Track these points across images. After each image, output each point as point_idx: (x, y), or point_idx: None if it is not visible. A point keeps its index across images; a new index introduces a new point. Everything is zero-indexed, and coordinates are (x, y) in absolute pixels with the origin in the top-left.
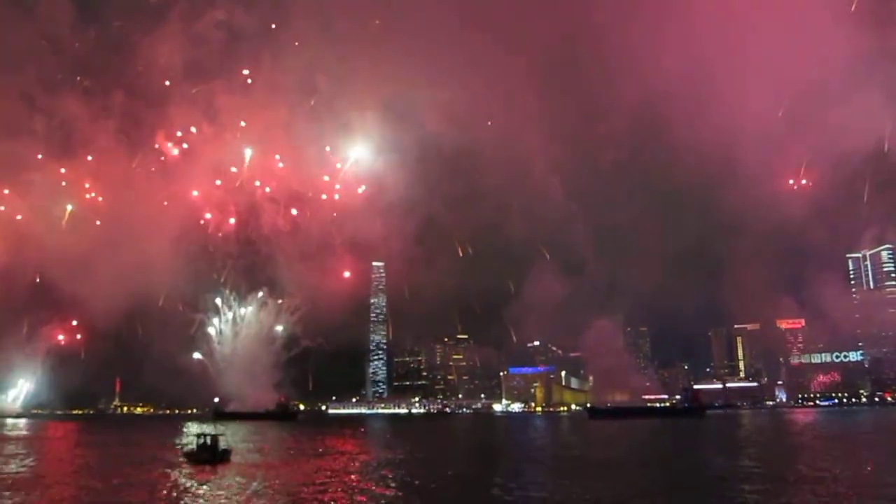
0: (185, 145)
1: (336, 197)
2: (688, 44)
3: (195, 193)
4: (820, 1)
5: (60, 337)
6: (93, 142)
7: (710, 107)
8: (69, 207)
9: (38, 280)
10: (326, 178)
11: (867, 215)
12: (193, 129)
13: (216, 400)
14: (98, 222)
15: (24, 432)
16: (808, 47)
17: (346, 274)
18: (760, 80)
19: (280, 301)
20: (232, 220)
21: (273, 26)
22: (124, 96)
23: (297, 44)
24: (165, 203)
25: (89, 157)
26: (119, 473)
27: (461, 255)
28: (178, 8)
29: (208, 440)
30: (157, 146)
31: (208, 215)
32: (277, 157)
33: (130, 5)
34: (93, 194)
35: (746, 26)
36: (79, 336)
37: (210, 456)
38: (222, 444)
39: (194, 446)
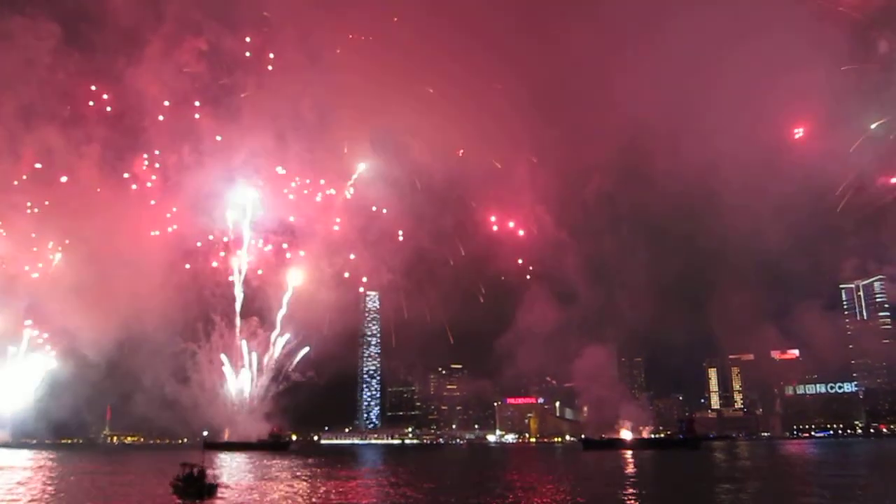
0: (168, 173)
1: (333, 227)
2: (668, 77)
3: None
4: (800, 38)
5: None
6: (75, 170)
7: (690, 138)
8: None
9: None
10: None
11: (850, 247)
12: (177, 157)
13: (205, 433)
14: (85, 251)
15: (13, 463)
16: (785, 84)
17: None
18: (739, 114)
19: (271, 332)
20: (221, 253)
21: (261, 54)
22: (106, 124)
23: (283, 72)
24: (152, 232)
25: (72, 185)
26: None
27: (454, 284)
28: (159, 37)
29: (195, 472)
30: (140, 175)
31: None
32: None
33: (112, 34)
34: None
35: (727, 62)
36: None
37: (196, 490)
38: (210, 478)
39: (180, 479)
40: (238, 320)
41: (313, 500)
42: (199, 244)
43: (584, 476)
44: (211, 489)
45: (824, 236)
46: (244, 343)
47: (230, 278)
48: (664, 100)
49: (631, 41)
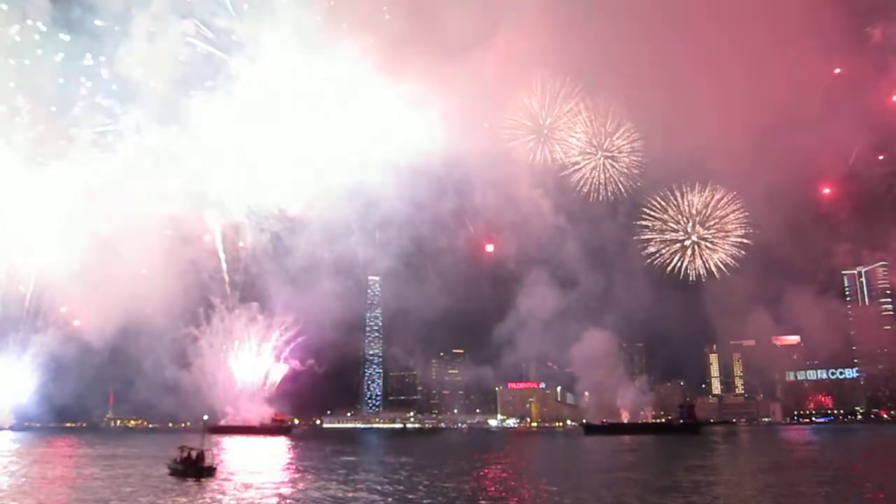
0: (161, 158)
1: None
2: (664, 65)
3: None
4: (792, 30)
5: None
6: (70, 152)
7: (683, 124)
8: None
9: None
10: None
11: (849, 234)
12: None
13: (205, 417)
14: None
15: (15, 446)
16: (780, 73)
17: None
18: (734, 101)
19: (270, 318)
20: (213, 237)
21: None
22: (97, 107)
23: (276, 55)
24: (150, 215)
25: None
26: (97, 488)
27: (456, 269)
28: (146, 20)
29: (193, 454)
30: (134, 158)
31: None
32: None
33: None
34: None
35: (720, 51)
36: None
37: (195, 471)
38: (208, 460)
39: (179, 461)
40: (237, 304)
41: (309, 480)
42: (196, 229)
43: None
44: (210, 470)
45: (823, 222)
46: (243, 327)
47: (227, 263)
48: (657, 87)
49: (623, 25)
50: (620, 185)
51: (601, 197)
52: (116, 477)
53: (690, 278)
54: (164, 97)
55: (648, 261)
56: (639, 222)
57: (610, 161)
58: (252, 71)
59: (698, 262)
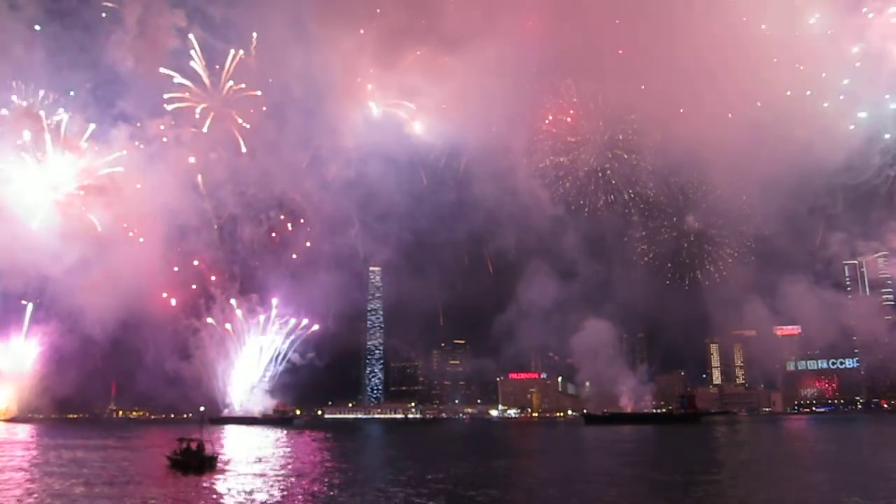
0: (153, 149)
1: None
2: (662, 58)
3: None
4: (789, 24)
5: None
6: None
7: (680, 117)
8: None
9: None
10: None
11: (847, 224)
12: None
13: (202, 408)
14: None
15: (17, 437)
16: (775, 68)
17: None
18: (729, 95)
19: (270, 310)
20: (211, 228)
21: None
22: (91, 101)
23: (273, 48)
24: (148, 207)
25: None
26: (98, 480)
27: (457, 261)
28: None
29: (193, 446)
30: (129, 149)
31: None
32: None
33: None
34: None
35: (718, 44)
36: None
37: (196, 463)
38: (208, 451)
39: (179, 452)
40: (237, 296)
41: (313, 469)
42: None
43: None
44: (210, 462)
45: (823, 213)
46: (243, 319)
47: (225, 255)
48: (656, 79)
49: (622, 18)
50: (617, 180)
51: (600, 192)
52: (117, 469)
53: (687, 280)
54: (160, 88)
55: (644, 259)
56: (636, 218)
57: (609, 158)
58: (247, 61)
59: (697, 261)
